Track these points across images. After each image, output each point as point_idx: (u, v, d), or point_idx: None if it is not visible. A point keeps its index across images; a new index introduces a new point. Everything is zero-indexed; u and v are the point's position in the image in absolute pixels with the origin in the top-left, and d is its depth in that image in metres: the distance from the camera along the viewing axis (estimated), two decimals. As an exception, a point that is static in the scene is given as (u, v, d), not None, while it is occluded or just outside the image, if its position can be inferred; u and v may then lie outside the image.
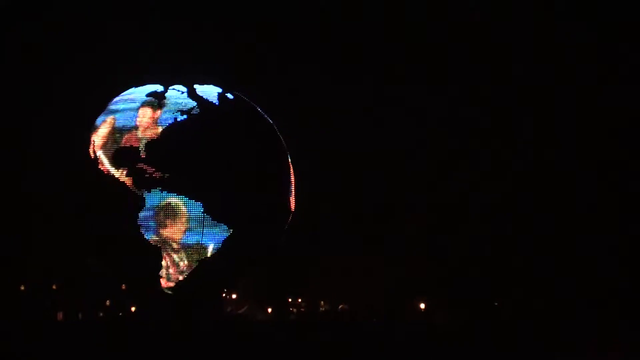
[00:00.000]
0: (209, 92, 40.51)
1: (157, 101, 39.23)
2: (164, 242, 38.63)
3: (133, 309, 48.27)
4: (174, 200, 38.32)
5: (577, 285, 46.83)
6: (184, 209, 38.38)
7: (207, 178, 38.59)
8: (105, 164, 38.36)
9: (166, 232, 38.48)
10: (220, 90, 40.86)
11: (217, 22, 52.67)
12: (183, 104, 39.50)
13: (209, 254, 38.95)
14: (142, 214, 38.08)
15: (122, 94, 40.45)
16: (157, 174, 37.99)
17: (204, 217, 38.58)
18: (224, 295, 53.07)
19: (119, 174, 38.23)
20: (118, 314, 49.64)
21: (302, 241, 48.99)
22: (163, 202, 38.23)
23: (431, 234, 52.36)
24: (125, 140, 38.62)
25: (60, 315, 47.64)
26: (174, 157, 38.35)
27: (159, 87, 40.01)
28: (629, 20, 49.22)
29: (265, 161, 40.43)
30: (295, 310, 56.46)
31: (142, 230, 38.31)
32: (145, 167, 38.17)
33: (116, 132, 38.80)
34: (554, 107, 50.83)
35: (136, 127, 38.72)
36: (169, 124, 38.74)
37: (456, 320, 46.23)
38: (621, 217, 48.57)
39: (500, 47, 51.33)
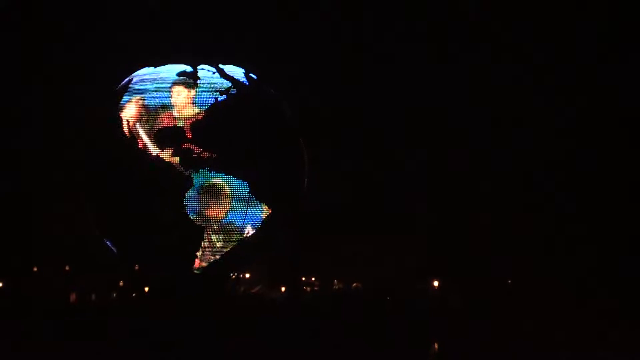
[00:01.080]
0: (235, 72, 40.44)
1: (192, 81, 39.10)
2: (206, 222, 38.79)
3: (147, 289, 48.36)
4: (219, 180, 38.49)
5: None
6: (227, 189, 38.61)
7: (251, 158, 38.84)
8: (148, 144, 38.21)
9: (209, 213, 38.68)
10: (243, 70, 40.79)
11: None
12: (219, 84, 39.49)
13: (248, 234, 39.27)
14: (188, 194, 38.18)
15: (141, 73, 40.03)
16: (205, 154, 38.07)
17: (249, 197, 38.67)
18: (236, 274, 53.15)
19: (165, 154, 38.19)
20: (132, 294, 49.72)
21: (315, 220, 48.96)
22: (208, 182, 38.23)
23: (446, 212, 52.22)
24: (161, 119, 38.47)
25: (73, 296, 47.81)
26: (220, 137, 38.45)
27: (183, 67, 39.74)
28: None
29: (291, 140, 40.63)
30: (309, 289, 56.39)
31: (187, 211, 38.14)
32: (192, 147, 38.28)
33: (149, 112, 38.57)
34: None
35: (171, 107, 38.59)
36: (210, 103, 38.73)
37: (470, 300, 46.17)
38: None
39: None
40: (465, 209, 51.20)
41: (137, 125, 38.29)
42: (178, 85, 38.94)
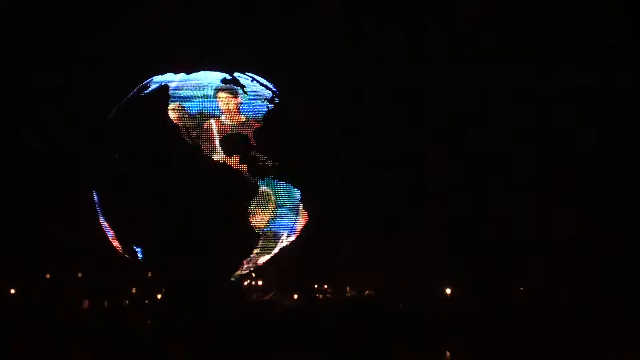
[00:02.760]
0: (264, 81, 40.48)
1: (237, 88, 39.08)
2: (251, 230, 38.83)
3: (159, 296, 48.39)
4: (265, 188, 38.59)
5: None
6: (273, 197, 38.70)
7: (303, 167, 39.27)
8: (214, 150, 38.07)
9: (255, 220, 38.76)
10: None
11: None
12: (262, 92, 39.60)
13: (284, 243, 39.34)
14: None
15: (166, 79, 39.70)
16: (270, 162, 38.20)
17: (298, 206, 38.88)
18: (249, 282, 53.18)
19: (231, 161, 38.22)
20: (144, 302, 49.78)
21: (327, 227, 48.88)
22: (264, 190, 38.47)
23: (456, 219, 52.11)
24: (208, 126, 38.35)
25: (86, 304, 47.87)
26: (282, 146, 38.54)
27: (215, 74, 39.68)
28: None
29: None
30: (321, 296, 56.31)
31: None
32: (257, 154, 38.35)
33: (194, 119, 38.36)
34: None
35: (220, 114, 38.48)
36: (260, 111, 38.75)
37: (481, 305, 45.98)
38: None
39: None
40: (477, 211, 51.18)
41: (190, 130, 38.18)
42: (223, 92, 38.89)
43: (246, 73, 40.10)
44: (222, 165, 38.00)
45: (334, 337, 38.30)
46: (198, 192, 37.81)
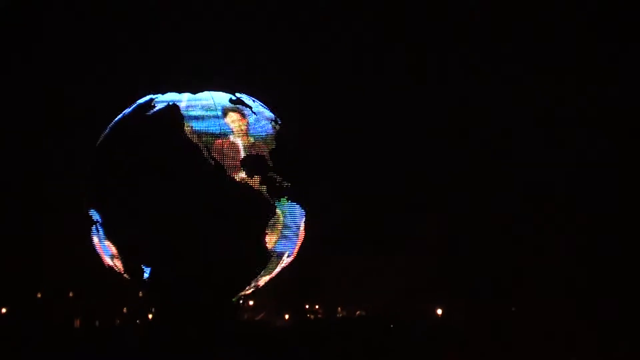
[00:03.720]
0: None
1: (245, 108, 39.14)
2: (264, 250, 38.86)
3: (150, 316, 48.32)
4: (278, 209, 38.70)
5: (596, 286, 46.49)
6: (282, 218, 38.68)
7: (311, 187, 39.05)
8: (235, 172, 37.95)
9: (265, 241, 38.86)
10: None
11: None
12: (265, 112, 39.80)
13: (284, 263, 39.33)
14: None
15: (167, 99, 39.65)
16: (285, 183, 38.23)
17: (300, 227, 39.08)
18: (241, 302, 53.02)
19: (253, 182, 38.14)
20: (135, 321, 49.69)
21: (318, 247, 48.97)
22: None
23: (449, 235, 52.28)
24: (219, 145, 38.20)
25: (77, 322, 47.79)
26: (294, 166, 38.64)
27: (220, 94, 39.78)
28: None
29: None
30: (312, 316, 56.32)
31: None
32: (274, 175, 38.30)
33: (203, 138, 38.18)
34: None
35: (230, 134, 38.37)
36: (266, 131, 38.76)
37: (473, 324, 46.04)
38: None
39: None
40: (468, 227, 51.40)
41: (219, 152, 38.14)
42: (232, 112, 38.92)
43: (238, 94, 40.34)
44: (244, 185, 38.06)
45: (327, 357, 38.36)
46: (219, 212, 37.73)
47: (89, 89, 50.58)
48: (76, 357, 38.53)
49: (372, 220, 53.11)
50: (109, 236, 37.78)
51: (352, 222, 52.53)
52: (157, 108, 38.65)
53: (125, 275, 38.34)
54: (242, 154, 37.95)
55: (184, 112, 38.28)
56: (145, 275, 37.82)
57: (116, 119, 39.58)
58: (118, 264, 38.32)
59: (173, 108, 38.58)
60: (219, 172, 37.46)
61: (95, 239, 38.54)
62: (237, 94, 39.73)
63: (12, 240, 49.34)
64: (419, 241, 52.89)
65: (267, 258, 38.67)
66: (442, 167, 52.65)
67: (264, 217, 38.06)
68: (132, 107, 39.62)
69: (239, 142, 37.97)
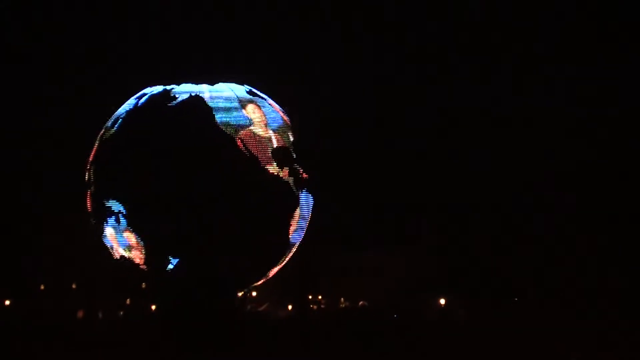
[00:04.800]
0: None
1: (258, 99, 39.22)
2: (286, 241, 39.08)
3: (153, 307, 48.34)
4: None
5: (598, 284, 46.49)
6: (299, 210, 38.90)
7: (320, 178, 39.43)
8: (266, 164, 38.03)
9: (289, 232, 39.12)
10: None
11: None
12: (275, 105, 39.85)
13: (291, 254, 39.52)
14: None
15: (185, 90, 39.52)
16: (305, 175, 38.42)
17: (308, 218, 39.29)
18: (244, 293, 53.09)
19: (282, 173, 38.29)
20: (139, 312, 49.67)
21: (321, 238, 49.03)
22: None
23: (451, 230, 52.29)
24: (242, 137, 38.17)
25: (80, 314, 47.85)
26: (310, 158, 38.73)
27: (234, 86, 39.73)
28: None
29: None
30: (315, 307, 56.36)
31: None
32: (297, 167, 38.53)
33: (228, 129, 38.14)
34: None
35: (250, 125, 38.37)
36: (279, 123, 38.87)
37: (476, 317, 46.08)
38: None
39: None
40: (470, 221, 51.41)
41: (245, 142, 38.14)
42: (249, 104, 38.94)
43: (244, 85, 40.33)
44: (276, 177, 38.25)
45: (328, 347, 38.38)
46: (250, 203, 37.81)
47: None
48: (80, 348, 38.65)
49: (376, 213, 53.20)
50: (133, 227, 37.62)
51: (357, 213, 52.61)
52: (180, 99, 38.52)
53: (142, 266, 38.17)
54: (267, 145, 38.18)
55: (210, 104, 38.31)
56: (170, 266, 37.79)
57: (123, 109, 39.37)
58: (136, 255, 38.18)
59: (198, 99, 38.58)
60: (250, 164, 37.61)
61: (110, 230, 38.25)
62: (247, 87, 39.94)
63: (13, 232, 49.47)
64: (422, 234, 53.01)
65: (287, 249, 39.07)
66: (441, 166, 52.86)
67: (291, 208, 38.40)
68: (144, 98, 39.35)
69: (260, 132, 38.14)
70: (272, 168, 37.80)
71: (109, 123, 39.34)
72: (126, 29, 51.93)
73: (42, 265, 49.75)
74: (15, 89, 50.75)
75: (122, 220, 37.55)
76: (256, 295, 53.70)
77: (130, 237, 37.79)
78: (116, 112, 39.66)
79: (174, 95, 38.53)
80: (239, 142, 37.45)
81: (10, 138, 50.61)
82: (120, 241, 38.06)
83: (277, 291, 53.67)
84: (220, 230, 37.39)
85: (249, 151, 37.55)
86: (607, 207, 48.51)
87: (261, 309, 53.92)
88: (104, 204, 37.95)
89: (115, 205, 37.60)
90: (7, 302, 48.60)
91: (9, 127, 50.53)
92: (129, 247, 38.03)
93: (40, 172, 50.20)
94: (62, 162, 47.77)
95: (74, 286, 50.03)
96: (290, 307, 54.36)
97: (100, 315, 48.38)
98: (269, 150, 38.02)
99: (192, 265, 37.80)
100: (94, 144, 39.62)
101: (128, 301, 50.25)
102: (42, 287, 50.12)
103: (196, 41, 51.23)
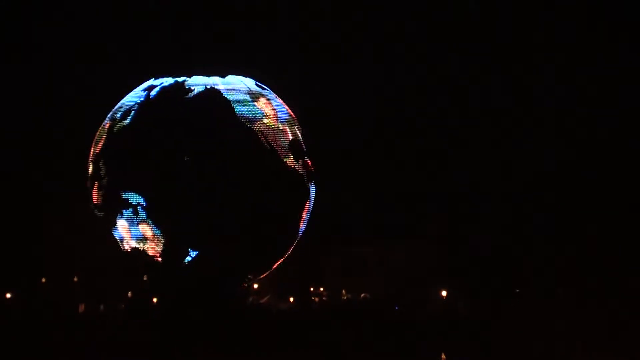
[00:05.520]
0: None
1: (267, 92, 39.36)
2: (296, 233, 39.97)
3: (155, 300, 48.36)
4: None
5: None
6: (308, 202, 39.36)
7: (323, 172, 40.62)
8: (285, 156, 38.22)
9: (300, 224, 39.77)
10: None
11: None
12: (280, 99, 40.03)
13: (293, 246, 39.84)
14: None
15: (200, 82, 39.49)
16: (312, 168, 38.77)
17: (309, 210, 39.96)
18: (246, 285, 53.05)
19: (298, 166, 38.58)
20: (140, 305, 49.64)
21: (324, 231, 49.10)
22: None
23: (452, 222, 52.28)
24: (257, 128, 38.27)
25: (81, 307, 47.85)
26: (315, 151, 39.05)
27: (245, 79, 39.78)
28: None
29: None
30: (317, 299, 56.27)
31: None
32: (307, 159, 38.84)
33: (244, 121, 38.23)
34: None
35: (263, 118, 38.43)
36: (288, 116, 39.05)
37: (477, 308, 46.03)
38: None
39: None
40: (474, 215, 51.40)
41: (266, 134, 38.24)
42: (260, 97, 39.02)
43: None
44: (294, 170, 38.58)
45: (330, 340, 38.39)
46: (269, 194, 38.09)
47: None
48: (81, 341, 38.66)
49: (377, 207, 53.20)
50: (153, 219, 37.45)
51: (357, 207, 52.65)
52: (196, 91, 38.40)
53: (157, 258, 38.03)
54: (281, 138, 38.35)
55: (227, 96, 38.31)
56: (188, 258, 37.69)
57: (131, 101, 39.16)
58: (150, 248, 38.05)
59: (214, 91, 38.56)
60: (272, 156, 37.76)
61: (123, 223, 38.08)
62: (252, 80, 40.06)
63: (15, 226, 49.48)
64: (424, 227, 52.94)
65: (295, 240, 39.46)
66: (443, 165, 52.87)
67: (304, 201, 38.65)
68: (155, 90, 39.13)
69: (273, 125, 38.19)
70: (290, 160, 37.99)
71: (117, 115, 39.05)
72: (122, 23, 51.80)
73: (44, 258, 49.73)
74: (15, 86, 50.59)
75: (141, 212, 37.44)
76: (258, 287, 53.63)
77: (146, 230, 37.65)
78: (121, 104, 39.49)
79: (189, 88, 38.51)
80: (260, 135, 37.63)
81: (10, 138, 50.58)
82: (133, 233, 37.91)
83: (279, 283, 53.61)
84: (242, 222, 37.66)
85: (269, 144, 37.79)
86: (607, 206, 48.49)
87: (263, 301, 53.82)
88: (119, 196, 37.77)
89: (134, 197, 37.45)
90: (8, 295, 48.57)
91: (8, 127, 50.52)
92: (143, 240, 37.86)
93: (40, 167, 50.13)
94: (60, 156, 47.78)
95: (75, 279, 50.07)
96: (291, 299, 54.27)
97: (101, 308, 48.38)
98: (285, 143, 38.28)
99: (211, 257, 37.98)
100: (96, 136, 39.48)
101: (130, 294, 50.32)
102: (43, 279, 50.16)
103: (195, 34, 51.05)
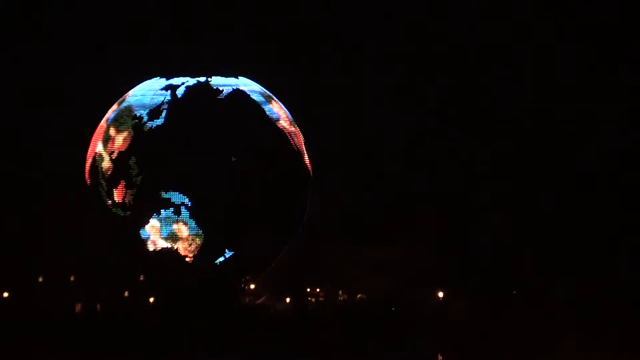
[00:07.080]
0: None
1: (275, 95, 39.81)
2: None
3: (151, 299, 48.33)
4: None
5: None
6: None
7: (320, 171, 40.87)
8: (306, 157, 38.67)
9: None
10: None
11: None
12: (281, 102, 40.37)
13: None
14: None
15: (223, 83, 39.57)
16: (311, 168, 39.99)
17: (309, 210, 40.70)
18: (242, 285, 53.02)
19: (311, 166, 39.18)
20: (136, 306, 49.61)
21: (320, 231, 49.19)
22: None
23: (449, 224, 52.37)
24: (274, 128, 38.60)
25: (78, 307, 47.80)
26: (315, 154, 39.62)
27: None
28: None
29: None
30: (313, 300, 56.27)
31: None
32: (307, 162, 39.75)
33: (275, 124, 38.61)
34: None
35: (279, 120, 38.72)
36: (291, 118, 39.30)
37: (474, 310, 46.11)
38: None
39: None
40: (469, 216, 51.48)
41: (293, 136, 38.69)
42: (271, 99, 39.33)
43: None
44: (307, 168, 39.24)
45: (327, 340, 38.44)
46: (296, 195, 38.60)
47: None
48: (78, 341, 38.66)
49: (373, 208, 53.26)
50: (196, 219, 37.41)
51: (354, 208, 52.72)
52: (226, 92, 38.49)
53: (188, 258, 37.94)
54: (295, 139, 38.69)
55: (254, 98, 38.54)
56: (221, 258, 37.76)
57: (154, 100, 38.98)
58: (182, 247, 37.95)
59: (241, 93, 38.71)
60: (298, 157, 38.00)
61: (155, 222, 37.84)
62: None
63: (12, 225, 49.43)
64: (421, 228, 52.98)
65: (294, 240, 39.79)
66: (443, 164, 52.90)
67: (304, 201, 39.04)
68: (181, 89, 39.02)
69: (286, 126, 38.53)
70: (306, 161, 38.65)
71: (136, 113, 38.71)
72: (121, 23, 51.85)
73: (41, 258, 49.69)
74: (18, 81, 50.63)
75: (185, 212, 37.39)
76: (254, 288, 53.61)
77: (182, 229, 37.55)
78: (138, 103, 39.15)
79: (217, 88, 38.70)
80: (289, 137, 38.18)
81: (9, 137, 50.59)
82: (164, 231, 37.63)
83: (275, 284, 53.59)
84: (272, 223, 38.07)
85: (297, 145, 38.43)
86: (607, 206, 48.63)
87: (259, 301, 53.82)
88: (158, 195, 37.54)
89: (177, 197, 37.34)
90: (5, 294, 48.54)
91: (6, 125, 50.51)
92: (175, 238, 37.64)
93: (41, 164, 50.12)
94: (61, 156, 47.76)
95: (72, 278, 50.03)
96: (288, 300, 54.28)
97: (98, 308, 48.35)
98: (302, 144, 38.91)
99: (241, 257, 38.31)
100: (100, 135, 39.26)
101: (126, 294, 50.29)
102: (40, 279, 50.11)
103: (195, 34, 51.09)
